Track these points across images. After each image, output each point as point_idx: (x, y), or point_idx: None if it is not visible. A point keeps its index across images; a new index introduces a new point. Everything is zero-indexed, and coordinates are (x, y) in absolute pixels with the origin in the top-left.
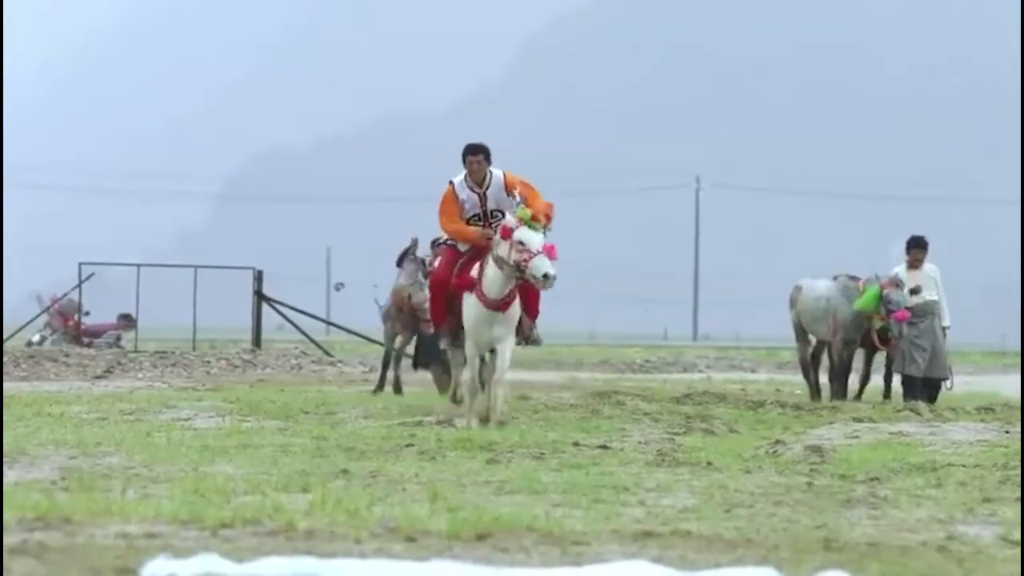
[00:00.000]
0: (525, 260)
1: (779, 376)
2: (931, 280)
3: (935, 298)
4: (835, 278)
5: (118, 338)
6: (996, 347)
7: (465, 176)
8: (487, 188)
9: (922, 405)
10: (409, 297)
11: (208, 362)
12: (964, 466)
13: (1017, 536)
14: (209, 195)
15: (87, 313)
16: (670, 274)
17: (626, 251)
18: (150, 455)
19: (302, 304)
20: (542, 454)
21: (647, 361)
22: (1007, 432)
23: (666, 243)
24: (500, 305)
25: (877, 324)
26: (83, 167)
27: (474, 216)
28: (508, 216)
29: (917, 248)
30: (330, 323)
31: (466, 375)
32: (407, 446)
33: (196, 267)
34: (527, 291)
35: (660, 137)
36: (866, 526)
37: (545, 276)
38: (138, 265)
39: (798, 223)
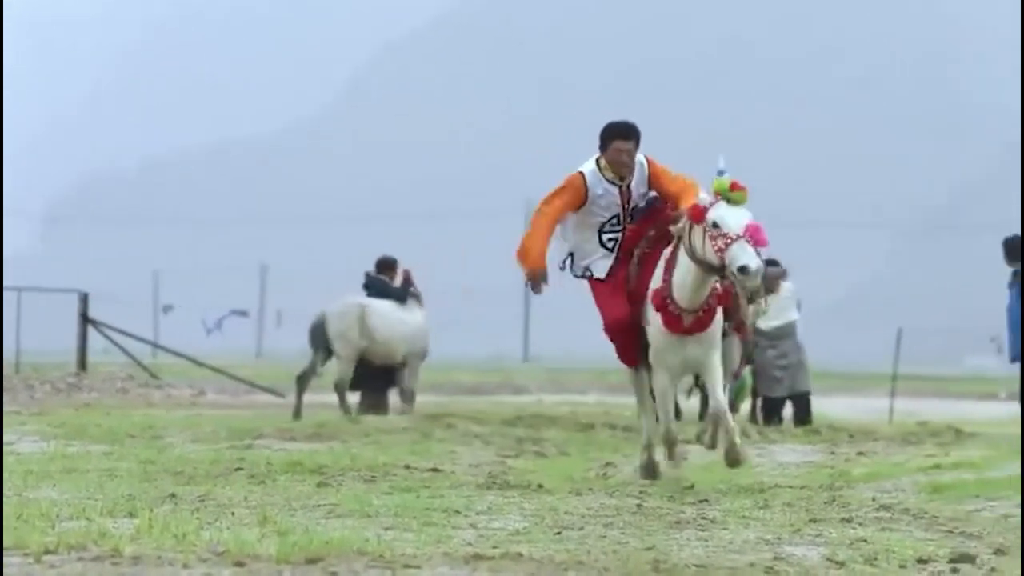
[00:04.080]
0: (721, 249)
1: (609, 398)
2: (789, 300)
3: (794, 319)
4: None
5: None
6: (822, 368)
7: (599, 164)
8: (630, 181)
9: (752, 428)
10: None
11: (32, 386)
12: (791, 487)
13: (842, 556)
14: (35, 217)
15: None
16: (501, 295)
17: (456, 273)
18: None
19: (129, 327)
20: (373, 477)
21: (478, 383)
22: (832, 453)
23: (498, 264)
24: (694, 323)
25: None
26: None
27: (612, 219)
28: (702, 194)
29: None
30: (157, 346)
31: (657, 421)
32: (236, 470)
33: (20, 289)
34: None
35: (489, 158)
36: (695, 547)
37: (742, 270)
38: None
39: None
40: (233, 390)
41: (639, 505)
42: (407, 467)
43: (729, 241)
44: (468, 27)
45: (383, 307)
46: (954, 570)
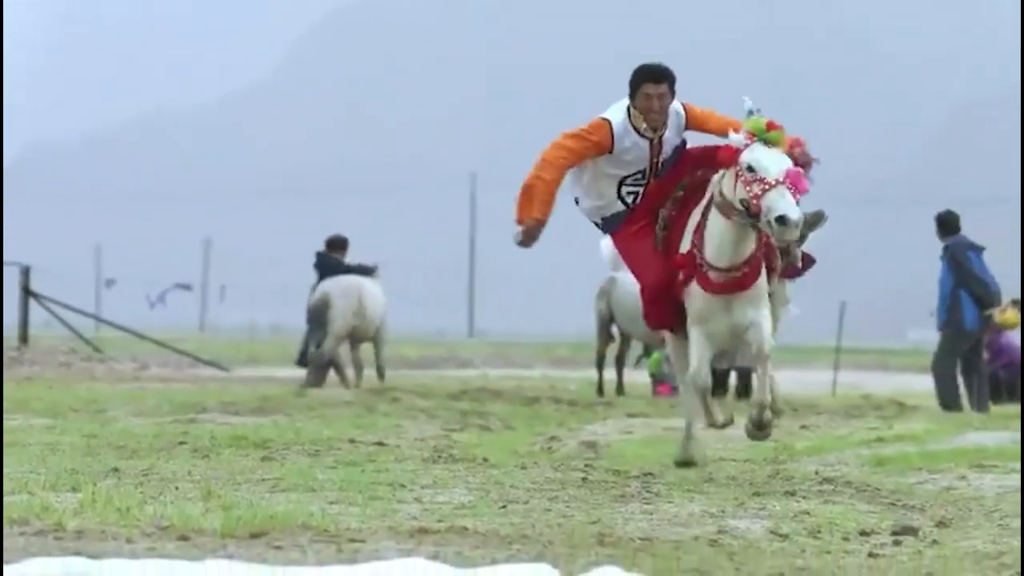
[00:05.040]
0: (756, 196)
1: (554, 372)
2: None
3: None
4: None
5: None
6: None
7: (630, 114)
8: (663, 134)
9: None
10: None
11: None
12: (735, 461)
13: (785, 529)
14: None
15: None
16: (448, 271)
17: (404, 248)
18: None
19: (71, 301)
20: (317, 451)
21: (423, 357)
22: (776, 426)
23: (444, 240)
24: (734, 282)
25: None
26: None
27: (636, 174)
28: (733, 134)
29: None
30: (100, 319)
31: (694, 386)
32: (180, 443)
33: None
34: None
35: (436, 133)
36: (640, 521)
37: (781, 220)
38: None
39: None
40: (176, 364)
41: (584, 479)
42: (352, 441)
43: (767, 187)
44: None
45: (369, 285)
46: (896, 542)
